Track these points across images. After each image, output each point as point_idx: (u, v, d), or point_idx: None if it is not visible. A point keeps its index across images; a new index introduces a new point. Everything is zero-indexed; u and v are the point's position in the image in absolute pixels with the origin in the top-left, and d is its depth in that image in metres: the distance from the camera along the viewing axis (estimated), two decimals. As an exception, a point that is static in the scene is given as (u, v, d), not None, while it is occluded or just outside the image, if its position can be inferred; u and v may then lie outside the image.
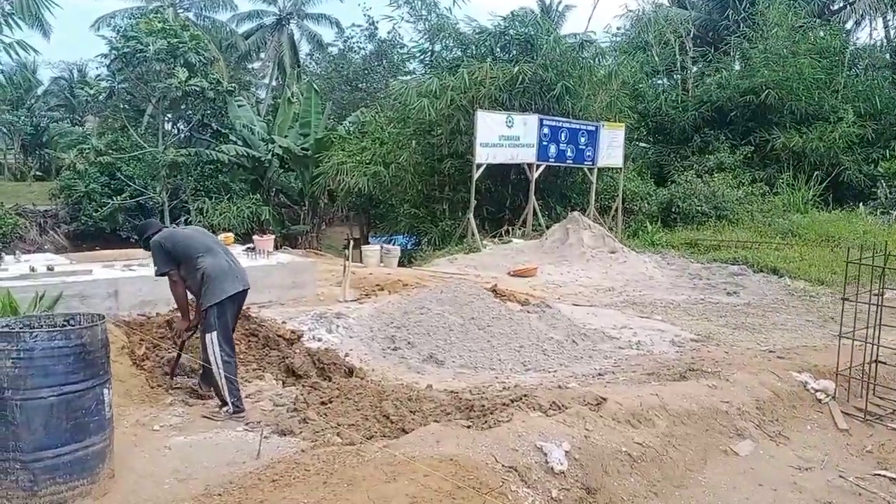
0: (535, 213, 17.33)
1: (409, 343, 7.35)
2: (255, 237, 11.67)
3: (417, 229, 18.87)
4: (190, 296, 5.78)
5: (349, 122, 25.33)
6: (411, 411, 5.07)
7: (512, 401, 4.67)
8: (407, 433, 4.70)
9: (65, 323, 4.39)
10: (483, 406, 4.74)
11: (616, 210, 19.21)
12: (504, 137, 16.00)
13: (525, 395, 4.68)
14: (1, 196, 28.40)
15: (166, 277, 5.56)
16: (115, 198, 23.82)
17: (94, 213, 25.49)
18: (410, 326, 7.61)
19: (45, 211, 28.69)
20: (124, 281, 8.71)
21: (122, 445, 4.73)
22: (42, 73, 42.66)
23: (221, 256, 5.52)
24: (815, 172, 20.97)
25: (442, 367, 6.90)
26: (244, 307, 6.07)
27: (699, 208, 18.36)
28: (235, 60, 38.25)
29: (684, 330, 8.88)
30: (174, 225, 6.22)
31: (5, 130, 43.74)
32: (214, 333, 5.34)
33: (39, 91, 45.71)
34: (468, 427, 4.24)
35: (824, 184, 20.79)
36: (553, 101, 17.82)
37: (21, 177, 40.50)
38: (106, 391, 4.18)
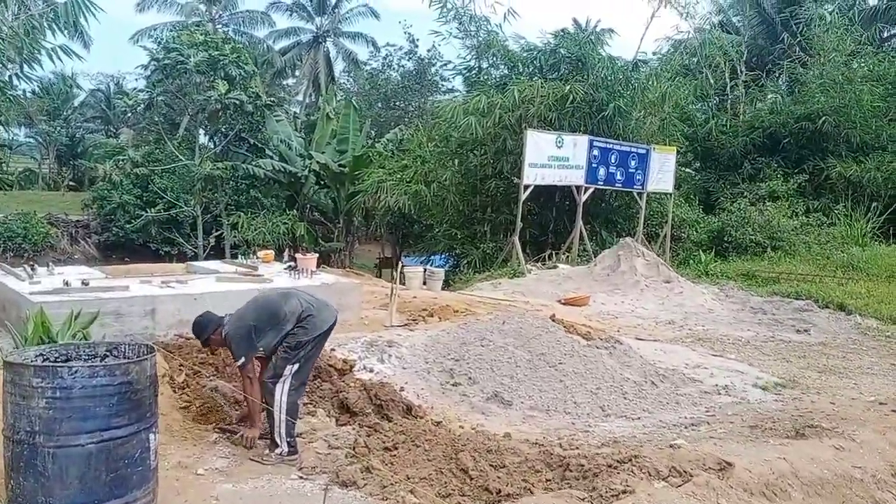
0: (581, 238, 16.62)
1: (469, 378, 6.69)
2: (297, 255, 11.11)
3: (456, 251, 18.24)
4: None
5: (387, 140, 24.88)
6: (493, 466, 4.40)
7: (619, 461, 3.98)
8: (492, 493, 4.03)
9: (107, 353, 3.81)
10: (582, 466, 4.05)
11: (665, 237, 18.43)
12: (553, 158, 15.36)
13: (635, 456, 3.98)
14: (34, 205, 28.42)
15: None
16: (148, 210, 23.54)
17: (126, 225, 25.27)
18: (470, 360, 6.94)
19: (77, 221, 28.60)
20: (162, 299, 8.16)
21: (164, 492, 4.11)
22: (80, 83, 42.93)
23: (300, 294, 5.06)
24: (874, 203, 20.02)
25: (509, 409, 6.22)
26: None
27: (753, 238, 17.52)
28: (271, 77, 38.21)
29: (764, 372, 8.11)
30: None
31: (41, 140, 44.15)
32: (286, 382, 4.84)
33: (76, 102, 46.12)
34: (583, 500, 3.55)
35: (883, 216, 19.82)
36: (603, 123, 17.18)
37: (55, 186, 40.76)
38: (152, 436, 3.57)
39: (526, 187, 14.98)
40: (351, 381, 6.48)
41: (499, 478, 4.15)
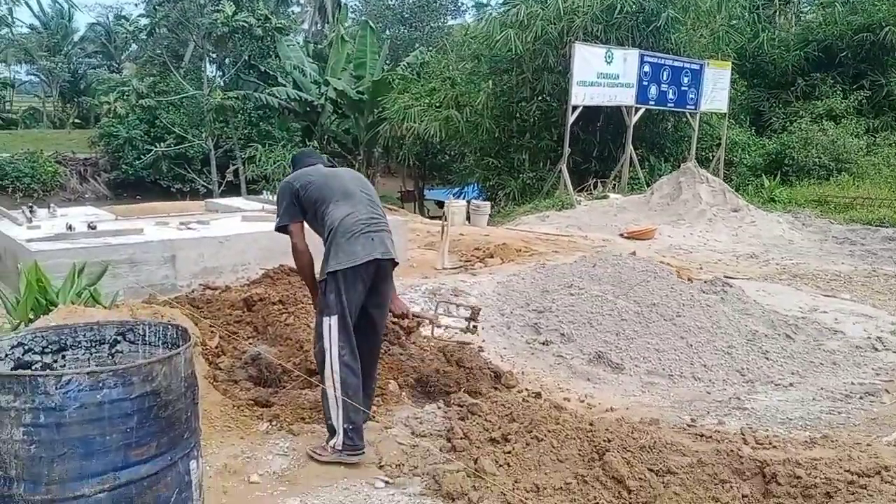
0: (631, 165, 15.18)
1: (562, 335, 5.46)
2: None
3: (491, 182, 16.83)
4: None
5: (407, 64, 23.14)
6: (655, 472, 3.19)
7: (857, 474, 2.76)
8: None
9: (119, 338, 2.57)
10: (798, 479, 2.84)
11: (717, 162, 16.95)
12: (602, 75, 13.80)
13: (885, 468, 2.76)
14: (40, 144, 27.29)
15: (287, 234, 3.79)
16: (156, 145, 22.19)
17: (135, 162, 24.02)
18: (559, 312, 5.71)
19: (86, 159, 27.45)
20: (183, 243, 6.95)
21: (208, 514, 2.97)
22: (78, 19, 41.05)
23: (362, 205, 3.68)
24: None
25: (621, 373, 5.01)
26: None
27: (817, 160, 16.01)
28: (274, 4, 36.02)
29: (893, 314, 6.88)
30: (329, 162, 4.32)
31: (43, 78, 42.50)
32: (334, 318, 3.52)
33: (76, 37, 44.16)
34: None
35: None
36: (652, 36, 15.47)
37: (60, 124, 39.38)
38: (194, 464, 2.36)
39: (574, 108, 13.47)
40: (422, 342, 5.28)
41: (676, 495, 2.94)
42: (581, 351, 5.27)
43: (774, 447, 3.26)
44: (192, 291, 6.71)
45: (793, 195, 14.35)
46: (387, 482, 3.49)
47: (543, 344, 5.44)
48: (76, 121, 39.80)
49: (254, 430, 3.95)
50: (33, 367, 2.47)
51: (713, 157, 17.35)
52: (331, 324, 3.52)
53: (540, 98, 15.39)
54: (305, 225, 3.80)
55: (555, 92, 15.11)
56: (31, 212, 7.98)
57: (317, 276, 3.75)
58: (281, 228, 3.77)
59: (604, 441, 3.41)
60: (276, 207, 3.89)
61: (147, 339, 2.59)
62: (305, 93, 21.71)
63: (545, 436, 3.55)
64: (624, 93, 14.36)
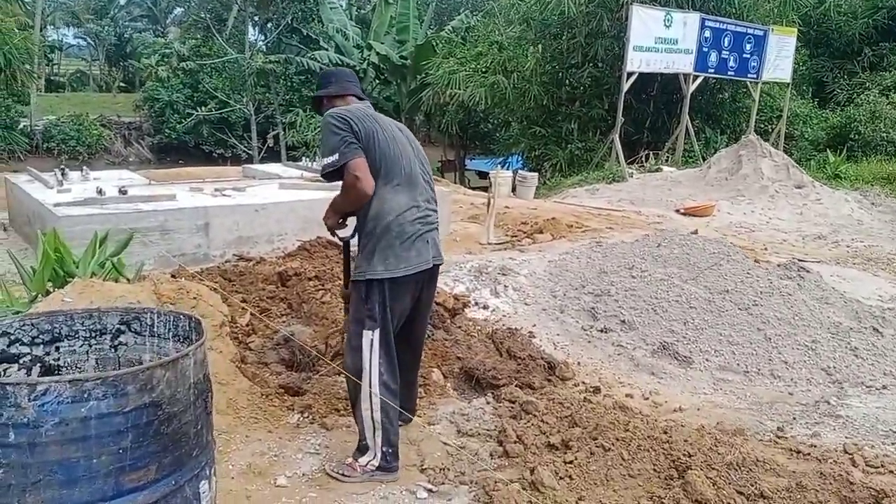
0: (686, 137, 14.42)
1: (623, 322, 4.97)
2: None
3: (536, 152, 16.18)
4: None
5: (451, 28, 22.43)
6: (744, 494, 2.73)
7: None
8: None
9: (123, 328, 2.18)
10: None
11: (778, 135, 16.05)
12: (660, 40, 13.02)
13: None
14: (86, 107, 27.46)
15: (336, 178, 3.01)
16: (198, 109, 22.00)
17: (177, 126, 23.96)
18: (619, 296, 5.21)
19: (130, 123, 27.62)
20: (217, 210, 6.60)
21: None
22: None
23: (424, 194, 3.10)
24: None
25: (690, 368, 4.51)
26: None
27: (885, 135, 15.03)
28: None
29: None
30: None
31: (90, 41, 42.78)
32: (377, 333, 3.01)
33: (122, 1, 44.27)
34: None
35: None
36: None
37: (106, 88, 39.71)
38: (205, 485, 1.96)
39: (629, 75, 12.74)
40: (468, 326, 4.85)
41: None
42: (644, 341, 4.78)
43: (891, 472, 2.75)
44: (226, 262, 6.38)
45: (859, 172, 13.46)
46: (430, 490, 3.09)
47: (601, 331, 4.96)
48: (122, 84, 40.07)
49: (283, 423, 3.57)
50: (21, 361, 2.09)
51: (772, 130, 16.44)
52: (372, 339, 3.02)
53: (592, 64, 14.65)
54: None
55: (608, 58, 14.37)
56: (62, 174, 7.71)
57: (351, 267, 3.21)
58: (335, 168, 2.88)
59: (683, 455, 2.94)
60: (321, 149, 3.01)
61: (155, 329, 2.19)
62: (347, 57, 21.21)
63: (613, 445, 3.10)
64: (682, 59, 13.56)
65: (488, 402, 3.87)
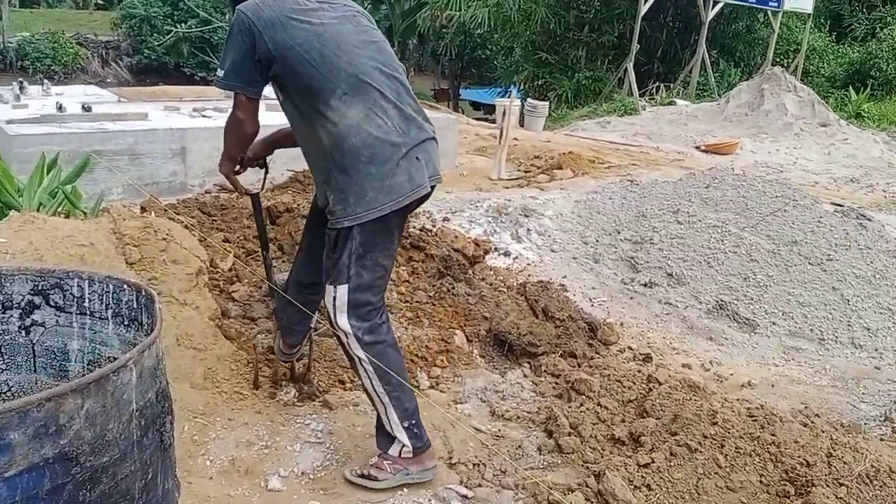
0: (702, 68, 13.51)
1: (670, 276, 4.27)
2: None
3: (539, 81, 15.19)
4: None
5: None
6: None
7: None
8: None
9: (35, 299, 1.42)
10: None
11: (796, 69, 15.13)
12: (682, -40, 11.97)
13: None
14: (62, 24, 25.97)
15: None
16: (178, 26, 20.62)
17: (156, 46, 22.60)
18: (664, 244, 4.49)
19: (107, 42, 26.12)
20: (196, 133, 5.75)
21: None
22: None
23: (393, 95, 2.25)
24: None
25: (754, 333, 3.84)
26: None
27: (908, 73, 14.19)
28: None
29: None
30: None
31: (64, -48, 40.37)
32: (342, 289, 2.26)
33: None
34: None
35: None
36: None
37: (83, 5, 37.63)
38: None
39: (648, -3, 11.74)
40: (492, 278, 4.11)
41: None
42: (696, 298, 4.09)
43: None
44: (205, 193, 5.57)
45: (883, 111, 12.68)
46: (465, 497, 2.41)
47: (645, 286, 4.26)
48: (99, 2, 38.01)
49: (276, 399, 2.86)
50: None
51: (788, 64, 15.51)
52: (335, 295, 2.26)
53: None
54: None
55: (622, -23, 13.31)
56: (20, 89, 6.78)
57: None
58: (226, 86, 2.28)
59: (799, 464, 2.27)
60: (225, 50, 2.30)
61: (86, 304, 1.43)
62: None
63: (700, 444, 2.42)
64: (703, -18, 12.52)
65: (525, 376, 3.18)
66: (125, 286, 1.41)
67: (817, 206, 4.66)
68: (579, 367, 3.23)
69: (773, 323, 3.84)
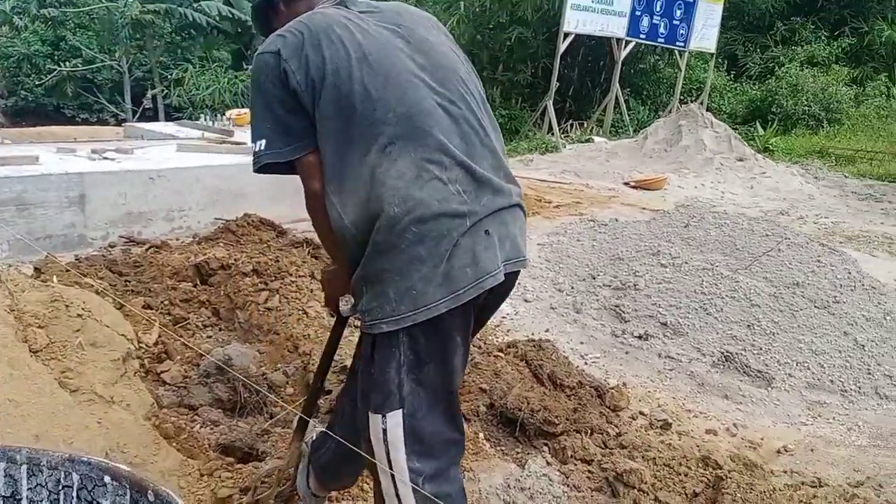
0: (616, 106, 13.60)
1: (664, 325, 3.84)
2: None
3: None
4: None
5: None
6: None
7: None
8: None
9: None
10: None
11: (701, 107, 15.51)
12: (597, 0, 12.02)
13: None
14: (-79, 61, 23.65)
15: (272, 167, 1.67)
16: (61, 65, 19.16)
17: (35, 87, 20.89)
18: (650, 290, 4.07)
19: (-22, 82, 24.05)
20: (96, 178, 4.96)
21: None
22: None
23: (451, 137, 1.58)
24: (926, 73, 17.51)
25: (771, 388, 3.43)
26: None
27: (807, 109, 14.83)
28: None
29: None
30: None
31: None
32: (394, 416, 1.58)
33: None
34: None
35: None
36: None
37: (-53, 41, 34.80)
38: None
39: (566, 36, 11.68)
40: (489, 341, 3.53)
41: None
42: (699, 350, 3.66)
43: None
44: (110, 247, 4.78)
45: (790, 145, 13.12)
46: None
47: (640, 338, 3.80)
48: (-33, 37, 35.30)
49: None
50: None
51: (692, 101, 15.95)
52: (386, 426, 1.59)
53: (521, 23, 13.50)
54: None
55: (536, 17, 13.26)
56: None
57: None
58: (269, 165, 1.63)
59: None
60: (249, 121, 1.73)
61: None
62: (237, 9, 18.98)
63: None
64: (616, 22, 12.64)
65: (549, 464, 2.60)
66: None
67: (811, 244, 4.38)
68: (606, 446, 2.69)
69: (790, 375, 3.45)
